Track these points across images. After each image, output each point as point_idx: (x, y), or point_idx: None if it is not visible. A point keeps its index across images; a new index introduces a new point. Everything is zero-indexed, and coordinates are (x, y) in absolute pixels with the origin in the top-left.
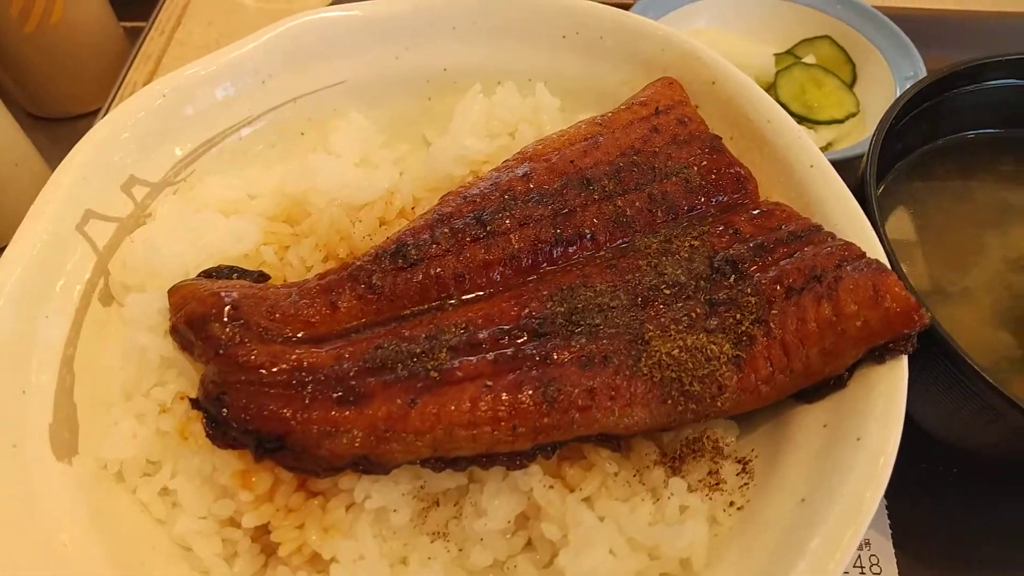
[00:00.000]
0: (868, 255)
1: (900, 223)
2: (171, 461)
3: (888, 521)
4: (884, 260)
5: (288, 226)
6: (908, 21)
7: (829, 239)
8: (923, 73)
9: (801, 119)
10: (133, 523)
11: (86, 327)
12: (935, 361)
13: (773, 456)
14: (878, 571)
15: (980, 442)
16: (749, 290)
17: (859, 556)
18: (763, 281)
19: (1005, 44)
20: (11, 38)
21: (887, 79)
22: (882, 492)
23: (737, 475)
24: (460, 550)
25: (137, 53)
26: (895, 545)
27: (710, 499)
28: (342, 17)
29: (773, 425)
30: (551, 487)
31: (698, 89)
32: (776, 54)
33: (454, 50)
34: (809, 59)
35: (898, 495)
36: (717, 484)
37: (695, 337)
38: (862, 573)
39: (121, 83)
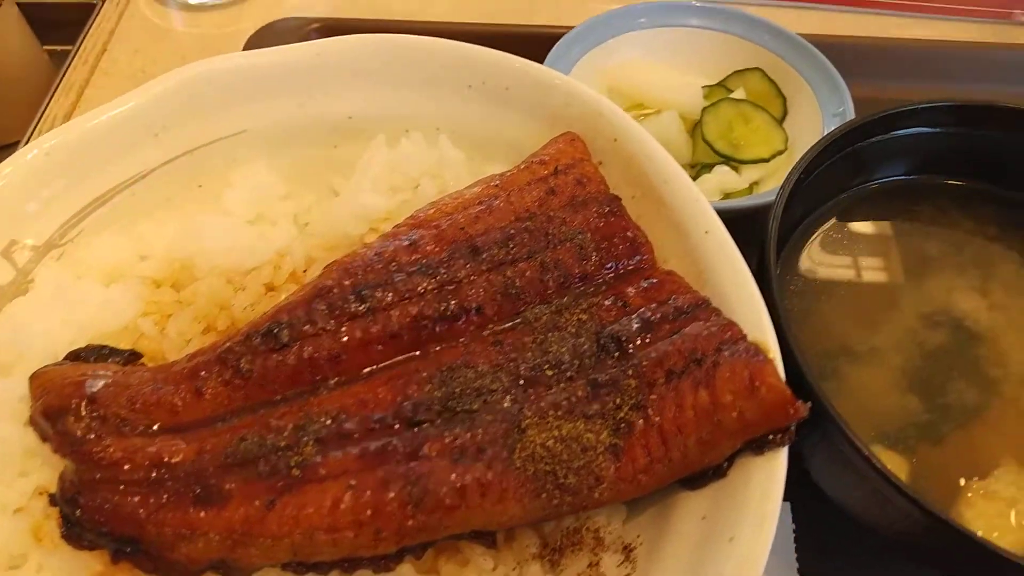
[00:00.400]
0: (753, 334)
1: (808, 280)
2: (36, 555)
3: None
4: (770, 338)
5: (174, 292)
6: (835, 49)
7: (713, 316)
8: (850, 109)
9: (727, 158)
10: None
11: None
12: (830, 438)
13: (656, 544)
14: None
15: (881, 523)
16: (631, 371)
17: None
18: (644, 363)
19: (930, 73)
20: None
21: (815, 115)
22: None
23: (619, 566)
24: None
25: (59, 83)
26: None
27: None
28: (240, 65)
29: (659, 510)
30: None
31: (601, 145)
32: (707, 86)
33: (359, 98)
34: (739, 93)
35: (809, 557)
36: None
37: (572, 425)
38: None
39: (41, 115)
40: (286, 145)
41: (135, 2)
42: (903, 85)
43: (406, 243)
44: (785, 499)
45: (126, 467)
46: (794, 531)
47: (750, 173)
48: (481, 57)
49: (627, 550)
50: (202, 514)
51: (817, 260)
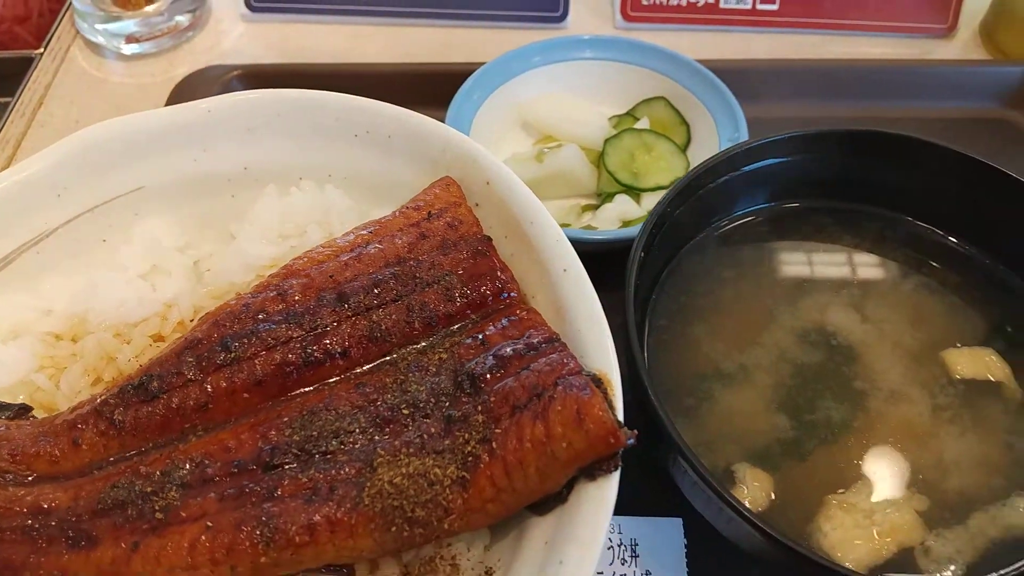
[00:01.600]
0: (599, 367)
1: (684, 307)
2: None
3: None
4: (612, 371)
5: (72, 345)
6: (739, 74)
7: (559, 351)
8: (744, 134)
9: (628, 187)
10: None
11: None
12: (687, 479)
13: (510, 569)
14: None
15: (742, 542)
16: (480, 407)
17: None
18: (492, 398)
19: (835, 91)
20: None
21: (714, 141)
22: None
23: None
24: None
25: None
26: None
27: None
28: (134, 125)
29: (516, 536)
30: None
31: (477, 189)
32: (615, 116)
33: (252, 150)
34: (643, 122)
35: (698, 567)
36: None
37: (421, 461)
38: None
39: None
40: (185, 198)
41: (72, 54)
42: (808, 103)
43: (274, 294)
44: (676, 515)
45: (4, 517)
46: (685, 546)
47: (650, 201)
48: (364, 107)
49: (488, 574)
50: (74, 557)
51: (692, 288)
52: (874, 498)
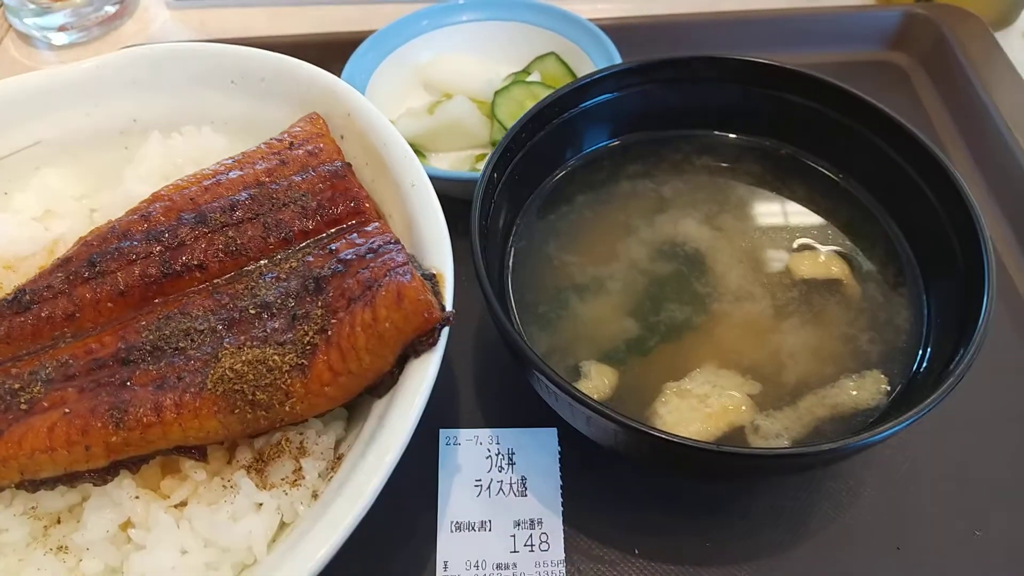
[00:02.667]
0: (436, 266)
1: (544, 232)
2: None
3: (560, 500)
4: (447, 269)
5: None
6: (628, 30)
7: (394, 250)
8: None
9: None
10: None
11: None
12: (536, 379)
13: (352, 449)
14: (546, 547)
15: (616, 448)
16: (320, 304)
17: (531, 536)
18: (331, 294)
19: (705, 44)
20: None
21: None
22: (395, 458)
23: (322, 471)
24: (80, 560)
25: None
26: (564, 522)
27: (288, 493)
28: (30, 83)
29: (361, 421)
30: (138, 498)
31: (340, 122)
32: (513, 73)
33: (140, 102)
34: (535, 76)
35: (570, 471)
36: (297, 481)
37: (261, 351)
38: (532, 551)
39: None
40: (81, 150)
41: (4, 46)
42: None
43: (138, 216)
44: (551, 425)
45: None
46: (559, 452)
47: None
48: (238, 54)
49: (338, 459)
50: None
51: (550, 212)
52: (708, 385)
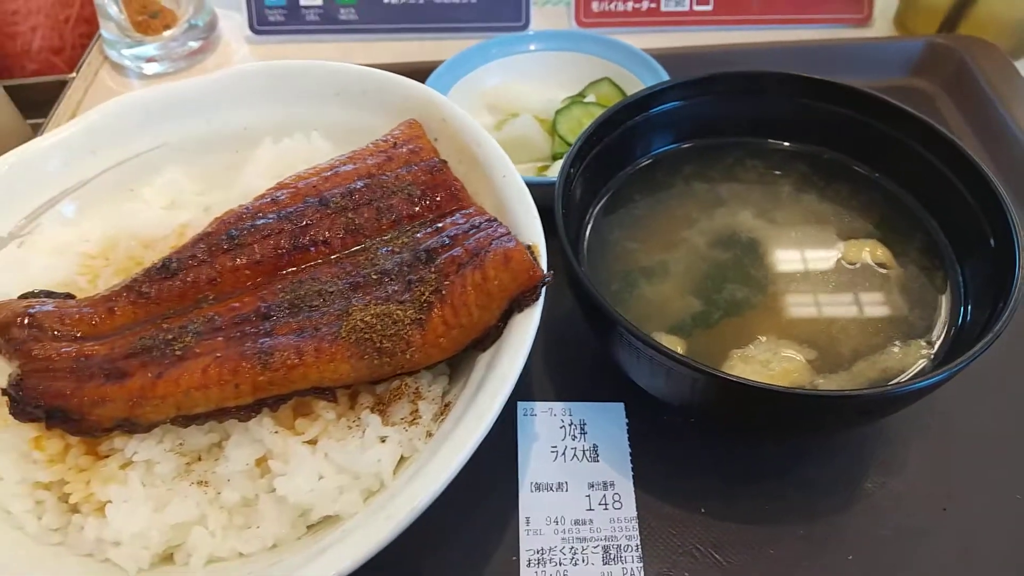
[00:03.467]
0: (529, 240)
1: (615, 224)
2: None
3: (631, 465)
4: (540, 241)
5: (104, 260)
6: (678, 59)
7: (495, 225)
8: None
9: None
10: None
11: None
12: (624, 343)
13: (460, 396)
14: (619, 506)
15: (690, 404)
16: (433, 270)
17: (604, 496)
18: (443, 261)
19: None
20: None
21: None
22: (504, 397)
23: (435, 414)
24: (219, 493)
25: None
26: (635, 484)
27: (407, 430)
28: (156, 94)
29: (467, 373)
30: (276, 432)
31: (435, 126)
32: (568, 97)
33: (252, 113)
34: (590, 98)
35: (638, 442)
36: (415, 420)
37: (386, 307)
38: (606, 509)
39: None
40: (198, 153)
41: (100, 76)
42: None
43: (268, 200)
44: (619, 400)
45: (56, 359)
46: (627, 424)
47: None
48: (339, 69)
49: (446, 406)
50: (110, 387)
51: (619, 207)
52: (769, 352)
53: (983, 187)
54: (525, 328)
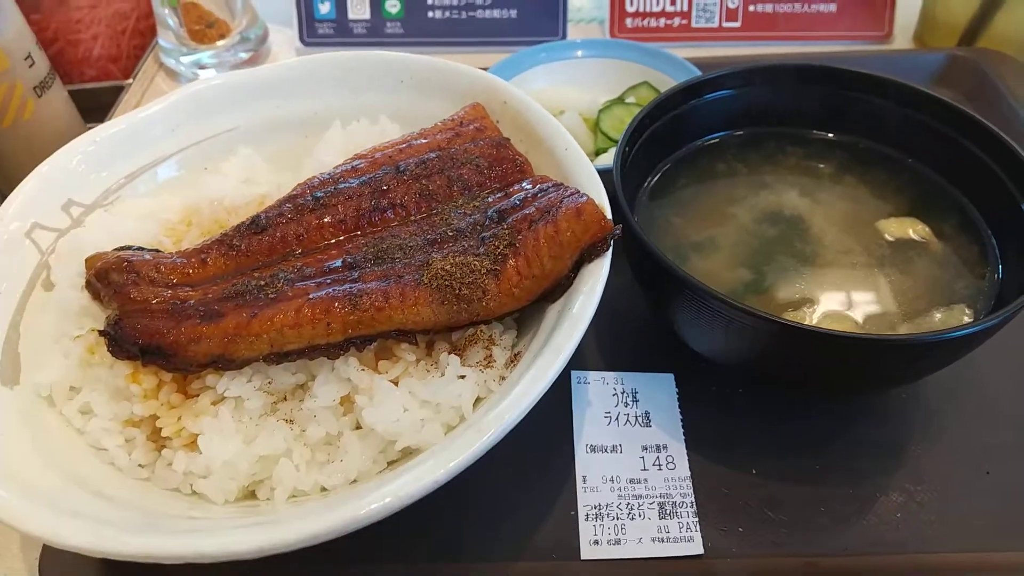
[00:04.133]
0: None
1: (667, 203)
2: (88, 385)
3: (682, 431)
4: (605, 200)
5: (187, 224)
6: (713, 68)
7: (563, 187)
8: None
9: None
10: (60, 434)
11: (30, 303)
12: (685, 298)
13: (531, 344)
14: (673, 467)
15: (746, 358)
16: (506, 227)
17: (657, 457)
18: (515, 219)
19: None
20: None
21: None
22: (582, 331)
23: (507, 360)
24: (303, 431)
25: None
26: (687, 448)
27: (482, 372)
28: (232, 80)
29: (536, 323)
30: (363, 370)
31: (496, 108)
32: (607, 100)
33: (321, 98)
34: (630, 100)
35: (688, 409)
36: (489, 363)
37: (464, 258)
38: (660, 469)
39: None
40: (269, 136)
41: (156, 82)
42: None
43: (349, 167)
44: (668, 371)
45: (153, 301)
46: (677, 392)
47: None
48: (407, 59)
49: (515, 354)
50: (205, 327)
51: (669, 187)
52: (816, 315)
53: (1012, 161)
54: (596, 274)
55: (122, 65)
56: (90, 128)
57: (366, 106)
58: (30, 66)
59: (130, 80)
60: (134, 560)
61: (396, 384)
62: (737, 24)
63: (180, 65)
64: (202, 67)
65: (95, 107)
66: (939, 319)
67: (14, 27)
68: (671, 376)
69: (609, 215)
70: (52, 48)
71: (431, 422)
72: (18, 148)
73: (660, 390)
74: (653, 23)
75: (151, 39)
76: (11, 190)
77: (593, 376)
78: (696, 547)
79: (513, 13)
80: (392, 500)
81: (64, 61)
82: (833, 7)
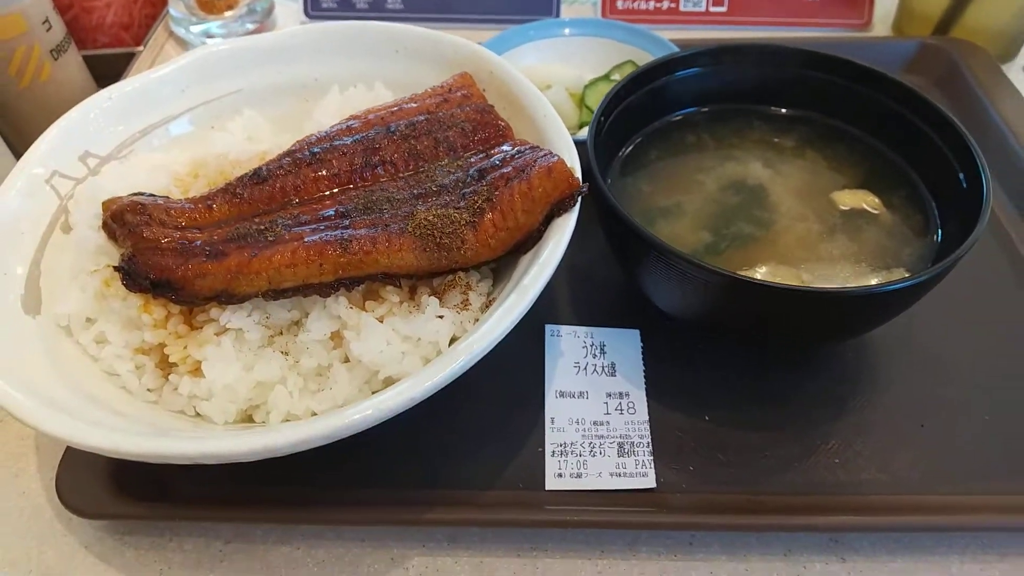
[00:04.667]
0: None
1: (637, 171)
2: (103, 316)
3: (644, 381)
4: (576, 163)
5: (194, 176)
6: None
7: (540, 149)
8: None
9: None
10: (77, 360)
11: (51, 243)
12: (650, 257)
13: (504, 290)
14: (633, 411)
15: (701, 311)
16: (484, 184)
17: (620, 403)
18: (494, 177)
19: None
20: (9, 93)
21: None
22: (548, 275)
23: (482, 305)
24: (297, 361)
25: None
26: (647, 396)
27: (459, 314)
28: (238, 46)
29: (508, 275)
30: (352, 308)
31: (483, 78)
32: (593, 77)
33: (321, 65)
34: (615, 77)
35: (652, 362)
36: (466, 306)
37: (446, 211)
38: (621, 413)
39: None
40: (272, 99)
41: (166, 50)
42: None
43: (343, 127)
44: (635, 327)
45: (163, 240)
46: (642, 346)
47: None
48: (401, 30)
49: (491, 301)
50: (210, 264)
51: (639, 158)
52: (770, 275)
53: (958, 140)
54: (564, 227)
55: (133, 32)
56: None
57: (363, 73)
58: (47, 30)
59: (141, 47)
60: (146, 460)
61: (381, 321)
62: (723, 9)
63: (189, 34)
64: (210, 36)
65: (107, 73)
66: (882, 279)
67: None
68: (637, 332)
69: (579, 174)
70: (67, 15)
71: (411, 355)
72: (34, 108)
73: (626, 344)
74: (643, 5)
75: (162, 8)
76: (27, 148)
77: (565, 330)
78: (649, 482)
79: None
80: (373, 412)
81: (78, 27)
82: None
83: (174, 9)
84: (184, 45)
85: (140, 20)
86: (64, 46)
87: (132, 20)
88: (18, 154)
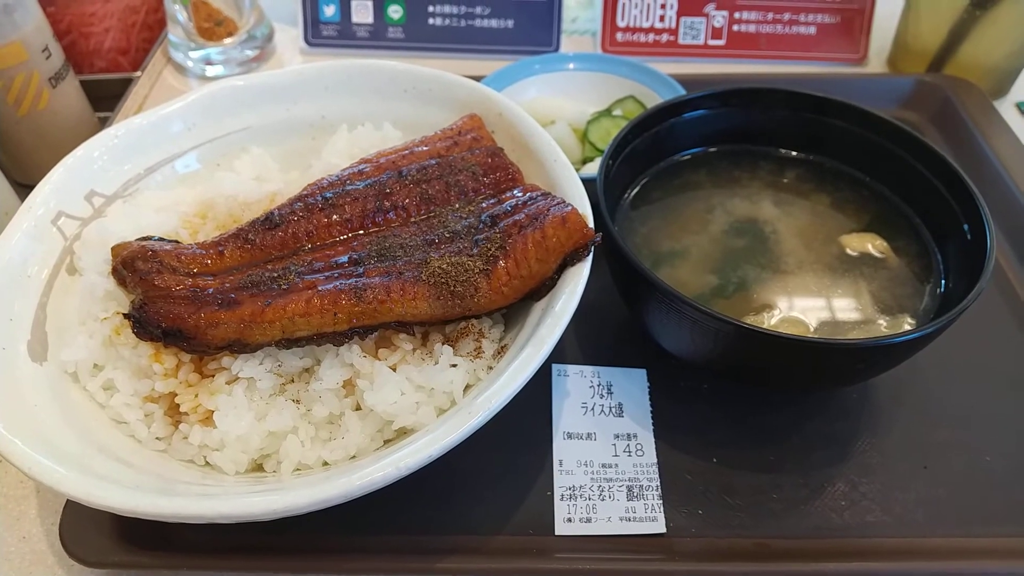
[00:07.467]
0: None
1: (646, 214)
2: (111, 363)
3: (651, 421)
4: (588, 211)
5: (202, 218)
6: (697, 84)
7: (551, 196)
8: None
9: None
10: (84, 407)
11: (56, 286)
12: (657, 301)
13: (517, 339)
14: (641, 454)
15: (708, 356)
16: (498, 232)
17: (628, 445)
18: (507, 224)
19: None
20: (7, 121)
21: None
22: (563, 326)
23: (495, 351)
24: (309, 410)
25: None
26: (655, 436)
27: (472, 361)
28: (245, 83)
29: (523, 319)
30: (365, 357)
31: (492, 120)
32: (595, 112)
33: (329, 103)
34: (617, 112)
35: (658, 402)
36: (479, 354)
37: (459, 258)
38: (629, 455)
39: None
40: (279, 137)
41: (163, 76)
42: None
43: (355, 170)
44: (641, 367)
45: (175, 288)
46: (648, 386)
47: None
48: (411, 70)
49: (503, 347)
50: (223, 313)
51: (646, 199)
52: (775, 319)
53: (961, 188)
54: (578, 277)
55: (131, 58)
56: (100, 117)
57: (371, 112)
58: (47, 58)
59: (139, 72)
60: (162, 519)
61: (394, 370)
62: (722, 42)
63: (188, 60)
64: (209, 63)
65: (105, 97)
66: (884, 327)
67: (34, 20)
68: (643, 371)
69: (591, 224)
70: (65, 39)
71: (425, 405)
72: (32, 136)
73: (633, 384)
74: (643, 38)
75: (159, 33)
76: (24, 176)
77: (572, 369)
78: (659, 526)
79: (510, 23)
80: (392, 470)
81: (76, 52)
82: (812, 30)
83: (173, 35)
84: (182, 71)
85: (138, 45)
86: (63, 73)
87: (130, 45)
88: (14, 182)
